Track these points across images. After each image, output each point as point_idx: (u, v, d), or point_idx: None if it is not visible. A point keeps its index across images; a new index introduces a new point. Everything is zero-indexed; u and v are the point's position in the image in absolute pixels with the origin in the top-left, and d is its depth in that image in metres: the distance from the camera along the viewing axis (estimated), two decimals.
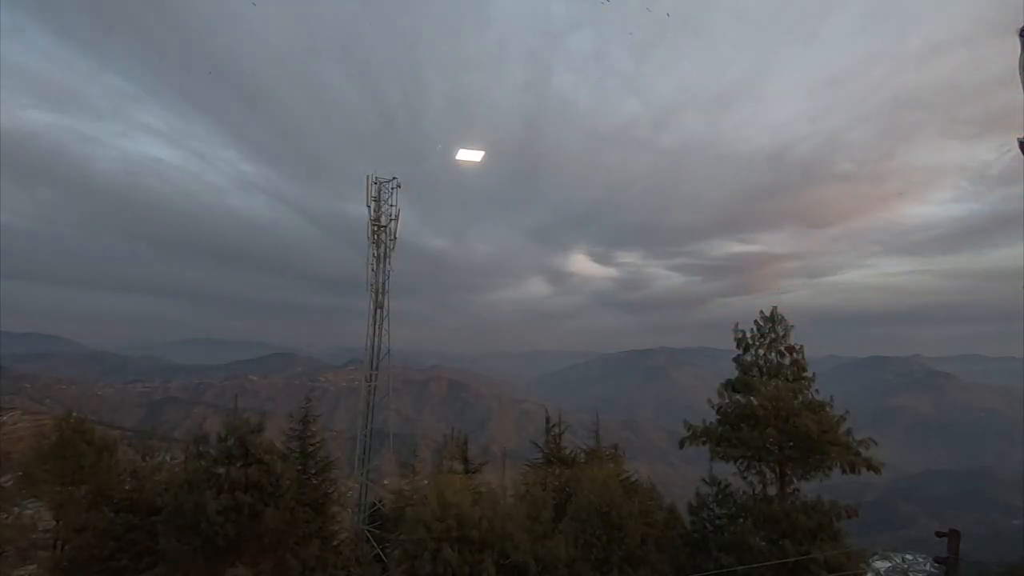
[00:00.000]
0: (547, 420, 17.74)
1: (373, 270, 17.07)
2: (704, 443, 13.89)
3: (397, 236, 17.27)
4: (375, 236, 17.06)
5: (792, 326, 13.96)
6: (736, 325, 14.33)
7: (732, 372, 14.25)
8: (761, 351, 13.93)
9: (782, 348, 13.81)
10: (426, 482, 14.26)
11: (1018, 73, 5.10)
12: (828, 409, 13.26)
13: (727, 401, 14.02)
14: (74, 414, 17.64)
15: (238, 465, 13.75)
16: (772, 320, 13.95)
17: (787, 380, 13.46)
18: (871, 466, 12.63)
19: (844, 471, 12.68)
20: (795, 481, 13.16)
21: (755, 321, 14.11)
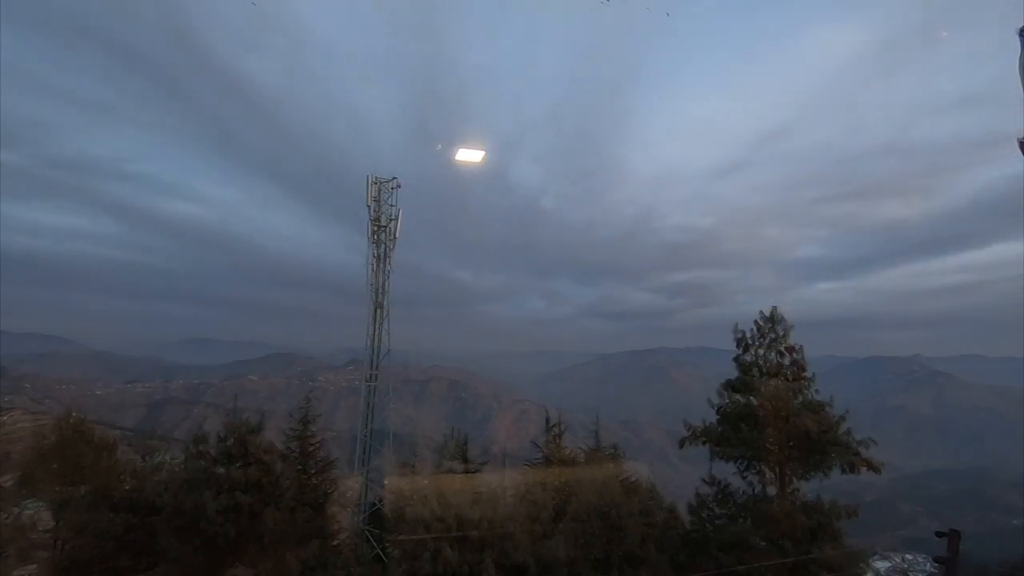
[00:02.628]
0: (547, 420, 17.71)
1: (373, 270, 17.08)
2: (704, 443, 13.88)
3: (397, 236, 17.28)
4: (375, 236, 17.06)
5: (792, 326, 13.97)
6: (736, 325, 14.33)
7: (732, 372, 14.24)
8: (761, 351, 13.93)
9: (782, 348, 13.80)
10: (426, 482, 14.24)
11: (1018, 73, 5.09)
12: (828, 409, 13.27)
13: (727, 401, 14.02)
14: (74, 414, 17.59)
15: (238, 465, 13.74)
16: (772, 320, 13.95)
17: (787, 380, 13.46)
18: (871, 466, 12.63)
19: (844, 471, 12.69)
20: (795, 481, 13.17)
21: (755, 321, 14.10)
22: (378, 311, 17.06)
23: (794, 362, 13.68)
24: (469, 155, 17.57)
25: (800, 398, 13.30)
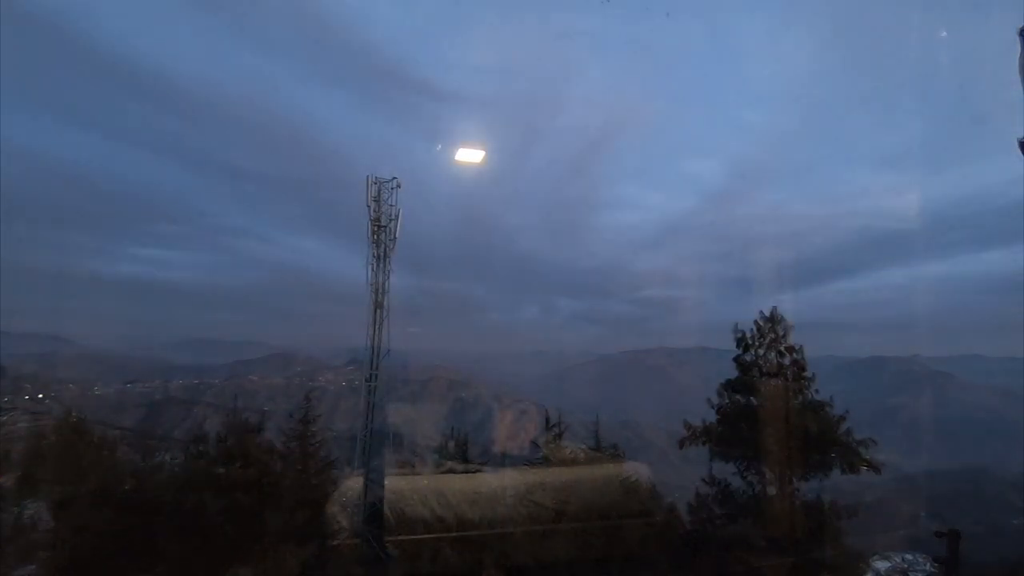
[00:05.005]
0: (547, 420, 17.73)
1: (373, 270, 17.10)
2: (704, 443, 13.90)
3: (397, 236, 17.31)
4: (375, 236, 17.08)
5: (792, 326, 13.98)
6: (736, 325, 14.35)
7: (732, 372, 14.26)
8: (761, 351, 13.95)
9: (782, 348, 13.82)
10: (426, 482, 14.24)
11: (1018, 73, 5.08)
12: (828, 409, 13.28)
13: (727, 401, 14.03)
14: (74, 414, 17.57)
15: (238, 465, 13.74)
16: (772, 320, 13.97)
17: (787, 380, 13.47)
18: (871, 466, 12.65)
19: (844, 471, 12.70)
20: (795, 481, 13.17)
21: (755, 321, 14.12)
22: (378, 311, 17.07)
23: (794, 362, 13.69)
24: (469, 155, 17.60)
25: (800, 398, 13.32)
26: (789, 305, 14.17)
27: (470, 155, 17.61)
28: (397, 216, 17.38)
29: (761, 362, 13.85)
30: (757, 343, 13.99)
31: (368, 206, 17.17)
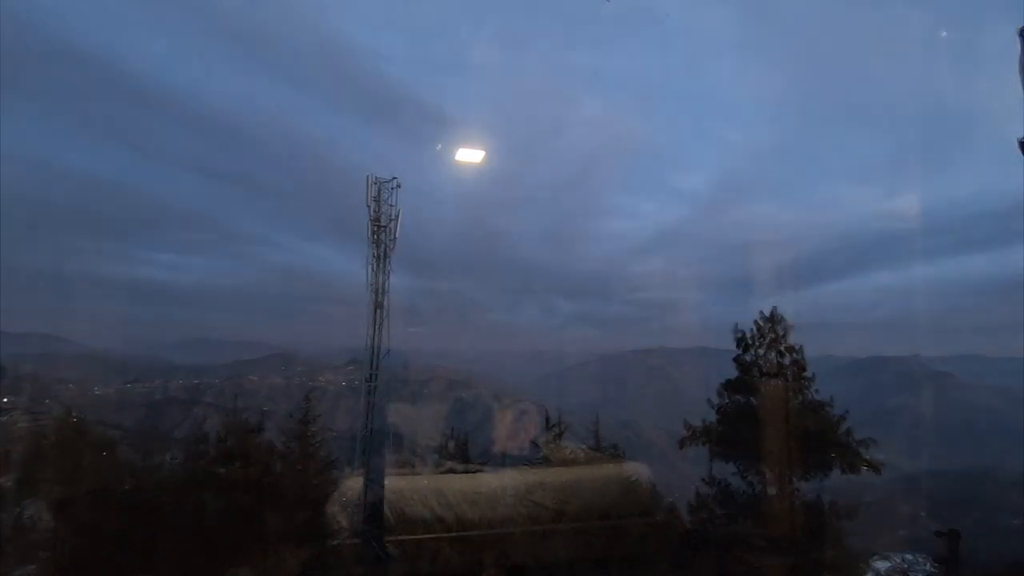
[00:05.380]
0: (547, 420, 17.73)
1: (373, 270, 17.10)
2: (704, 443, 13.91)
3: (397, 236, 17.31)
4: (375, 236, 17.08)
5: (792, 326, 13.99)
6: (736, 325, 14.37)
7: (732, 372, 14.26)
8: (761, 351, 13.95)
9: (782, 348, 13.83)
10: (426, 482, 14.24)
11: (1018, 73, 5.07)
12: (828, 409, 13.29)
13: (727, 401, 14.04)
14: (74, 414, 17.58)
15: (237, 465, 13.77)
16: (772, 320, 13.98)
17: (787, 380, 13.48)
18: (871, 466, 12.65)
19: (844, 471, 12.71)
20: (795, 481, 13.18)
21: (755, 321, 14.13)
22: (378, 311, 17.07)
23: (794, 362, 13.70)
24: (469, 155, 17.61)
25: (800, 398, 13.33)
26: (789, 305, 14.20)
27: (470, 155, 17.59)
28: (397, 216, 17.39)
29: (761, 362, 13.87)
30: (757, 343, 14.01)
31: (368, 206, 17.17)
